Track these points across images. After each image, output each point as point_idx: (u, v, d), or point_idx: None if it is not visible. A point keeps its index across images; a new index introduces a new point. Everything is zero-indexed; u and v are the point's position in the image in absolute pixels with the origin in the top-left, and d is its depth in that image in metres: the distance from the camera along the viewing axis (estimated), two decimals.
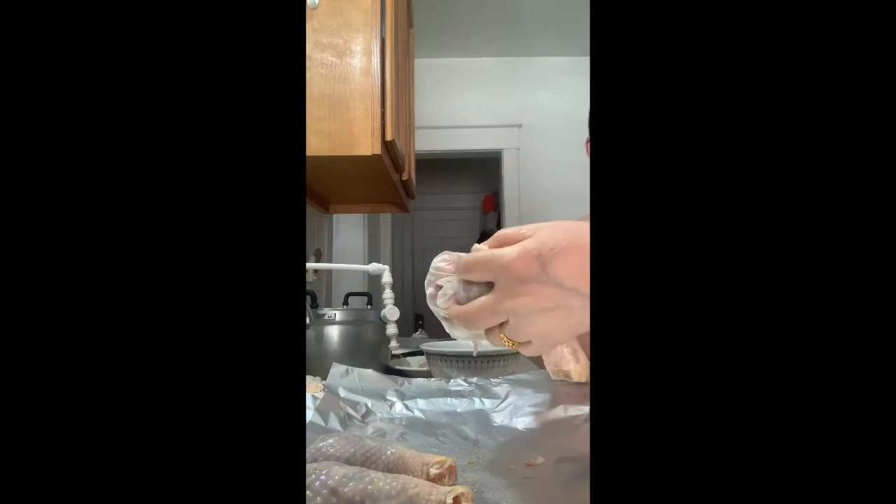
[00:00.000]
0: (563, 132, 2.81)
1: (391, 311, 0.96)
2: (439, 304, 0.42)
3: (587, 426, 0.54)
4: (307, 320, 0.88)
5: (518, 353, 0.55)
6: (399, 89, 1.14)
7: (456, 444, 0.53)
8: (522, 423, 0.59)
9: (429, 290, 0.44)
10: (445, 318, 0.43)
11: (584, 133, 1.19)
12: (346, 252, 2.28)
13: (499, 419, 0.60)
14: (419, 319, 2.55)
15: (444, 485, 0.38)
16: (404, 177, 1.35)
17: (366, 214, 2.37)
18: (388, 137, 0.99)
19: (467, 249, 0.42)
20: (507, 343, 0.40)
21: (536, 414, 0.59)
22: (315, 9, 0.99)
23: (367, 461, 0.41)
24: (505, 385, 0.66)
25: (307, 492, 0.35)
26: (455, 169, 4.02)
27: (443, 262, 0.43)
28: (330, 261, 2.07)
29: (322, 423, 0.56)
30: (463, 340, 0.45)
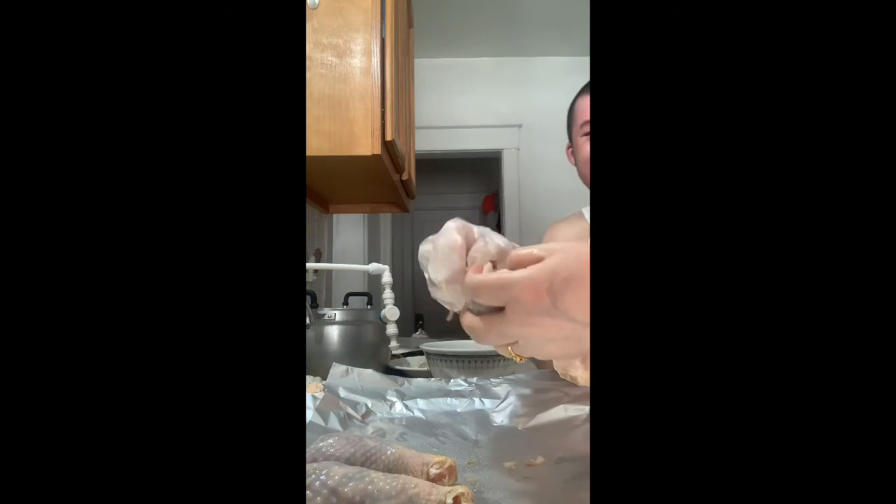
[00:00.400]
0: (563, 132, 2.80)
1: (391, 311, 0.96)
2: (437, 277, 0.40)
3: (587, 426, 0.54)
4: (307, 320, 0.88)
5: None
6: (399, 89, 1.14)
7: (456, 444, 0.53)
8: (522, 423, 0.59)
9: (424, 247, 0.42)
10: (433, 283, 0.41)
11: None
12: (345, 252, 2.28)
13: (499, 419, 0.60)
14: (419, 319, 2.55)
15: (444, 485, 0.38)
16: (404, 177, 1.34)
17: (366, 214, 2.37)
18: (388, 137, 0.99)
19: None
20: (515, 358, 0.40)
21: (536, 414, 0.59)
22: (315, 9, 0.99)
23: (367, 461, 0.41)
24: (505, 385, 0.66)
25: (307, 492, 0.35)
26: (455, 169, 4.01)
27: (456, 231, 0.41)
28: (330, 261, 2.07)
29: (322, 423, 0.56)
30: (446, 304, 0.42)
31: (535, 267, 0.35)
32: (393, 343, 0.99)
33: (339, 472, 0.36)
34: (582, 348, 0.37)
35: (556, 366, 0.64)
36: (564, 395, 0.61)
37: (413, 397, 0.66)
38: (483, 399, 0.65)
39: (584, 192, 1.10)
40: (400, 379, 0.71)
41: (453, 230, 0.41)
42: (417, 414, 0.63)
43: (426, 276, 0.42)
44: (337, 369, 0.71)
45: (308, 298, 0.98)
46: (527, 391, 0.64)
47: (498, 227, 3.41)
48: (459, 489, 0.35)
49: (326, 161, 1.01)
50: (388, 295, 1.00)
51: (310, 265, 1.01)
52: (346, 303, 1.40)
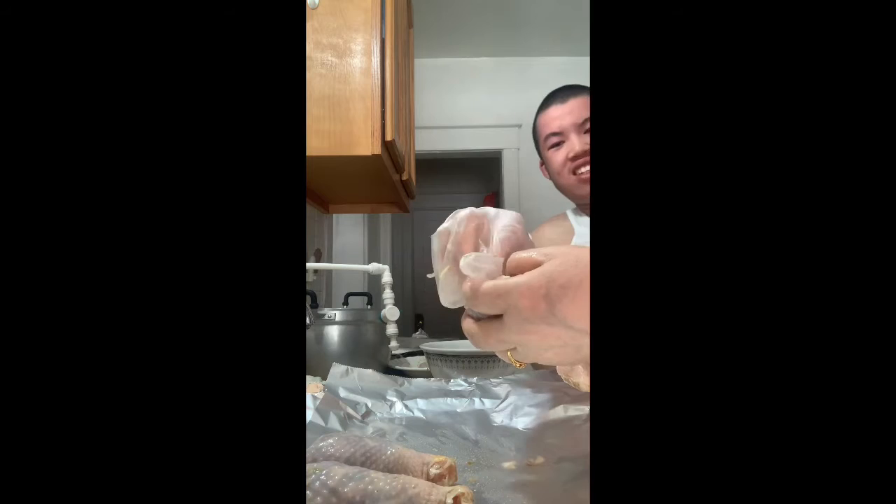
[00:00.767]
0: None
1: (391, 311, 0.96)
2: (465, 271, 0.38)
3: (587, 426, 0.54)
4: (307, 320, 0.88)
5: None
6: (399, 89, 1.14)
7: (456, 444, 0.53)
8: (522, 423, 0.59)
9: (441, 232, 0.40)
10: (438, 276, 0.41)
11: None
12: (345, 252, 2.28)
13: (499, 419, 0.60)
14: (419, 319, 2.54)
15: (444, 485, 0.38)
16: (404, 177, 1.34)
17: (366, 214, 2.37)
18: (388, 137, 0.99)
19: None
20: (514, 363, 0.40)
21: (536, 414, 0.59)
22: (315, 9, 0.99)
23: (367, 461, 0.41)
24: (505, 385, 0.66)
25: (307, 492, 0.35)
26: (455, 169, 4.01)
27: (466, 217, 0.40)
28: (330, 261, 2.07)
29: (322, 423, 0.56)
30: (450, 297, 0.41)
31: (531, 273, 0.35)
32: (393, 343, 0.99)
33: (339, 472, 0.36)
34: (581, 356, 0.37)
35: (560, 371, 0.64)
36: (564, 395, 0.61)
37: (413, 397, 0.66)
38: (483, 399, 0.65)
39: None
40: (400, 379, 0.71)
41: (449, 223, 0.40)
42: (417, 414, 0.63)
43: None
44: (337, 369, 0.71)
45: (308, 298, 0.98)
46: (527, 391, 0.64)
47: None
48: (459, 489, 0.35)
49: (326, 161, 1.01)
50: (388, 295, 1.00)
51: (310, 265, 1.01)
52: (346, 303, 1.40)
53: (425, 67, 2.77)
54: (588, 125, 1.05)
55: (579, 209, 1.18)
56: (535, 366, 0.81)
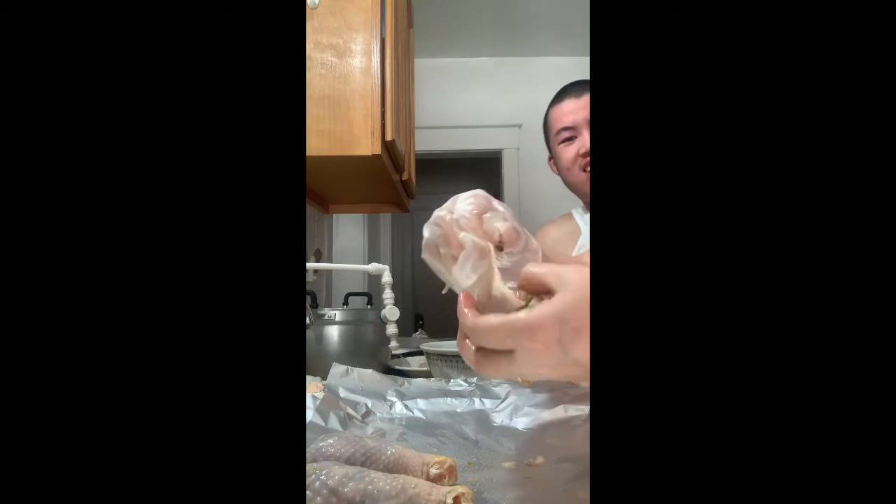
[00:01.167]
0: None
1: (391, 311, 0.96)
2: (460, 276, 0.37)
3: (587, 426, 0.54)
4: (307, 320, 0.88)
5: None
6: (399, 89, 1.14)
7: (456, 444, 0.53)
8: (522, 423, 0.59)
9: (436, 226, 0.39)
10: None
11: None
12: (345, 252, 2.28)
13: (499, 419, 0.60)
14: (419, 319, 2.54)
15: (444, 485, 0.38)
16: (404, 177, 1.34)
17: (366, 214, 2.37)
18: (388, 137, 0.99)
19: None
20: (521, 382, 0.39)
21: (536, 414, 0.59)
22: (315, 9, 0.99)
23: (367, 461, 0.41)
24: (505, 385, 0.66)
25: (307, 492, 0.35)
26: (455, 169, 4.01)
27: (469, 206, 0.38)
28: (330, 261, 2.07)
29: (322, 423, 0.56)
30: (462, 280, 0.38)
31: (542, 314, 0.33)
32: (393, 343, 0.99)
33: (339, 472, 0.36)
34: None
35: None
36: (564, 395, 0.61)
37: (413, 397, 0.66)
38: (483, 399, 0.65)
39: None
40: (400, 379, 0.71)
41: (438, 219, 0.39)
42: (417, 414, 0.63)
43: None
44: (337, 369, 0.71)
45: (308, 298, 0.98)
46: (527, 391, 0.64)
47: None
48: (459, 489, 0.35)
49: (326, 161, 1.01)
50: (388, 295, 1.00)
51: (310, 265, 1.01)
52: (346, 303, 1.40)
53: (425, 67, 2.77)
54: None
55: (587, 207, 1.17)
56: None
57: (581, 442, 0.51)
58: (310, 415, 0.57)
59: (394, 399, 0.66)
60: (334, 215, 2.15)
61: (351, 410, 0.61)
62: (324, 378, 0.72)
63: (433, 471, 0.40)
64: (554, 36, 2.70)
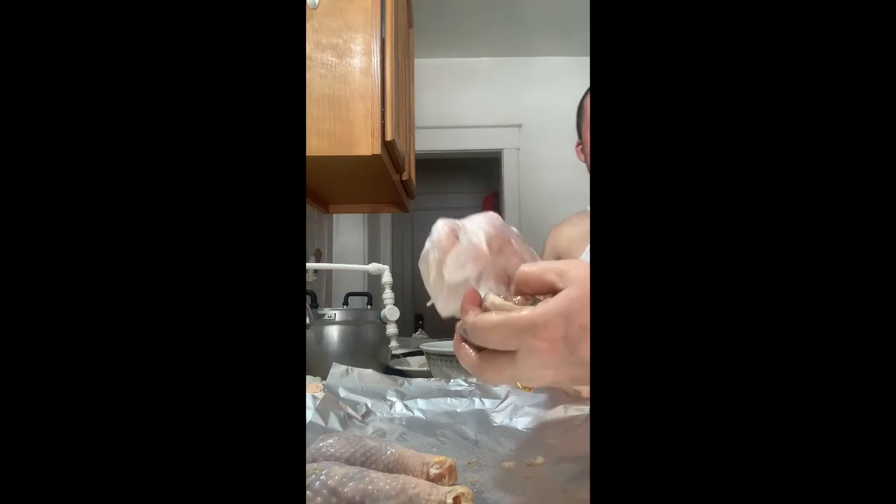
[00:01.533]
0: (563, 132, 2.79)
1: (391, 311, 0.96)
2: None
3: (587, 426, 0.54)
4: (307, 320, 0.88)
5: None
6: (399, 89, 1.14)
7: (456, 444, 0.53)
8: (522, 423, 0.59)
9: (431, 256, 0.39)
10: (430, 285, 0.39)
11: None
12: (345, 252, 2.28)
13: (499, 419, 0.60)
14: (419, 319, 2.55)
15: (444, 485, 0.38)
16: (404, 177, 1.34)
17: (366, 214, 2.37)
18: (388, 137, 0.99)
19: None
20: (521, 388, 0.39)
21: (536, 414, 0.59)
22: (315, 9, 0.99)
23: (367, 461, 0.41)
24: (505, 385, 0.66)
25: (307, 492, 0.35)
26: (455, 169, 4.01)
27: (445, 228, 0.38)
28: (330, 261, 2.07)
29: (322, 423, 0.56)
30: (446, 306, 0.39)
31: (548, 310, 0.31)
32: (393, 343, 0.99)
33: (339, 472, 0.36)
34: None
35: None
36: (564, 395, 0.61)
37: (413, 397, 0.66)
38: (483, 399, 0.65)
39: (586, 193, 1.10)
40: (400, 379, 0.71)
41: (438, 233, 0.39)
42: (417, 414, 0.63)
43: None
44: (337, 369, 0.71)
45: (308, 298, 0.98)
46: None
47: None
48: (459, 489, 0.35)
49: (326, 161, 1.01)
50: (388, 295, 1.00)
51: (310, 265, 1.01)
52: (346, 303, 1.40)
53: (425, 67, 2.77)
54: None
55: None
56: None
57: (581, 442, 0.51)
58: (310, 415, 0.57)
59: (394, 399, 0.66)
60: (334, 215, 2.15)
61: (351, 410, 0.61)
62: (324, 378, 0.72)
63: (433, 471, 0.40)
64: (554, 36, 2.71)
